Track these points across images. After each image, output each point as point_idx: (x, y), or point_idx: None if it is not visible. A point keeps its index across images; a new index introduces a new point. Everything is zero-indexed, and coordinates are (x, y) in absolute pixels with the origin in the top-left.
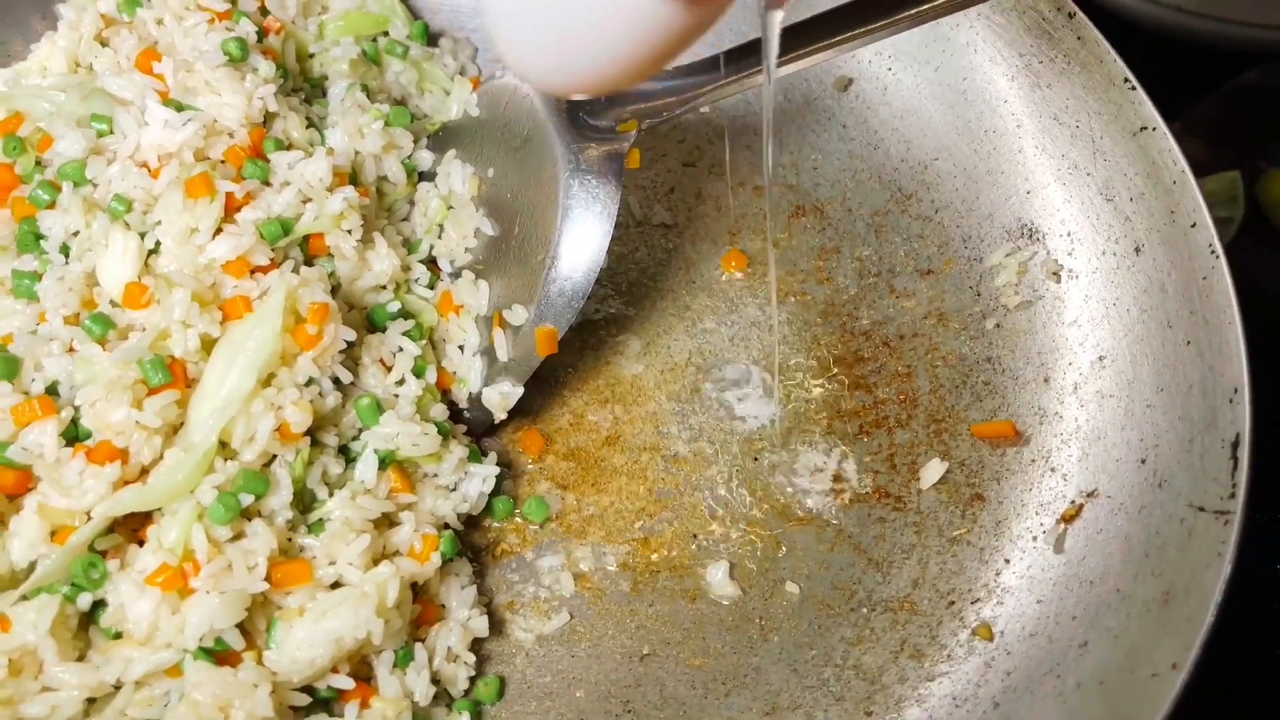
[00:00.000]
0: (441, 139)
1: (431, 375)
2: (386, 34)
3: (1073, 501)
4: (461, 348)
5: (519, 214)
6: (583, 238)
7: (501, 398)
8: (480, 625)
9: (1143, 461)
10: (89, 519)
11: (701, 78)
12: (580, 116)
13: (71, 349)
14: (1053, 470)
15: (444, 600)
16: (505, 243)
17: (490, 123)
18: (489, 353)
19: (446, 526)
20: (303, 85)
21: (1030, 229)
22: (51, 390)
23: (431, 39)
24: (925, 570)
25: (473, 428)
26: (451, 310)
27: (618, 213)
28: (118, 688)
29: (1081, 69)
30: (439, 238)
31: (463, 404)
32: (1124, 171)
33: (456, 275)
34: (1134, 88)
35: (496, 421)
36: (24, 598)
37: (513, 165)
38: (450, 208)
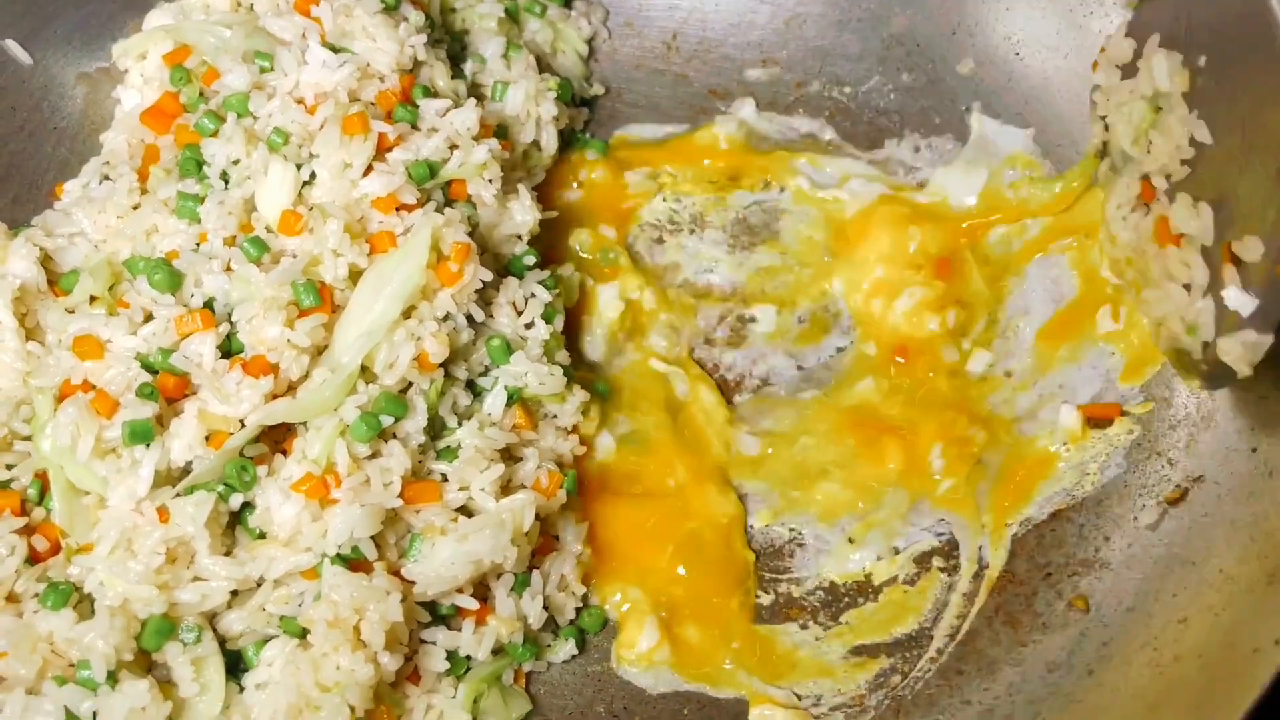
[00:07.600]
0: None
1: (559, 323)
2: None
3: (1178, 485)
4: (1187, 287)
5: (1241, 114)
6: None
7: (1244, 348)
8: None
9: (1254, 450)
10: (242, 426)
11: None
12: None
13: (229, 269)
14: (1159, 454)
15: (559, 533)
16: (1223, 153)
17: None
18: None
19: (561, 466)
20: (444, 39)
21: None
22: (209, 306)
23: (566, 1)
24: (1022, 542)
25: (1210, 385)
26: (1170, 242)
27: None
28: (259, 585)
29: None
30: (1147, 152)
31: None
32: None
33: (1171, 197)
34: None
35: (1240, 377)
36: (180, 494)
37: (1230, 50)
38: (1158, 109)
